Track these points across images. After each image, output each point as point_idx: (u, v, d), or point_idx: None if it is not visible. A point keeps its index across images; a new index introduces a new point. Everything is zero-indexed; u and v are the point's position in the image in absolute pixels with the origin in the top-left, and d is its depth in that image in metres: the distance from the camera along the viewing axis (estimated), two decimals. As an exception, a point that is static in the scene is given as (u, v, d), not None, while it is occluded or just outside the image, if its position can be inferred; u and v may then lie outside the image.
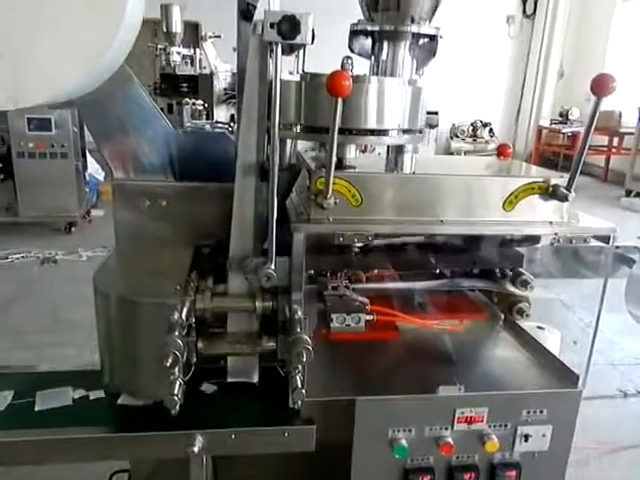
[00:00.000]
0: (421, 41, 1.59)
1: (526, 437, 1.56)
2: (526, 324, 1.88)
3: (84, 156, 6.81)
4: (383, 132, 1.48)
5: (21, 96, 1.14)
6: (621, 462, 3.12)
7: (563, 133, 11.74)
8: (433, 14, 1.57)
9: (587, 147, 1.45)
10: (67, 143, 6.26)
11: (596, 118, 1.37)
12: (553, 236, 1.50)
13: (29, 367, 1.87)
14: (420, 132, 1.57)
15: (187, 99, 6.31)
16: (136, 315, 1.46)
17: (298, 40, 1.29)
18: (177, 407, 1.33)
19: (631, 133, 10.47)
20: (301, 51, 1.57)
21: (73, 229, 6.74)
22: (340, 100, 1.26)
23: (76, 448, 1.50)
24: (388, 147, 1.68)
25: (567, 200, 1.48)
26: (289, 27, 1.28)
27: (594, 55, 11.74)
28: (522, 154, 12.47)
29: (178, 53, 7.08)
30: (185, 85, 6.91)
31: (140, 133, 1.64)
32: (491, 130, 12.27)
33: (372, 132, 1.47)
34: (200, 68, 7.15)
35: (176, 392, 1.33)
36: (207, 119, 6.30)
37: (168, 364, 1.29)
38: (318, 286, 1.63)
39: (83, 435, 1.48)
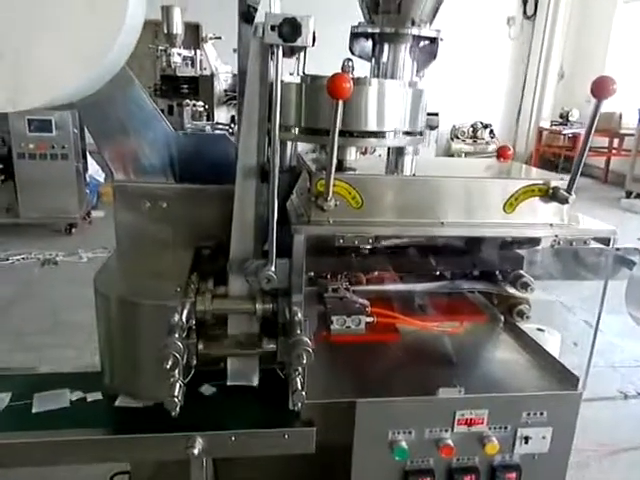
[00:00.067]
0: (422, 43, 1.60)
1: (526, 439, 1.56)
2: (526, 326, 1.88)
3: (84, 157, 6.81)
4: (383, 134, 1.48)
5: (21, 98, 1.14)
6: (621, 464, 3.12)
7: (563, 134, 11.74)
8: (434, 16, 1.57)
9: (587, 149, 1.46)
10: (68, 144, 6.26)
11: (596, 120, 1.37)
12: (553, 238, 1.50)
13: (27, 369, 1.87)
14: (420, 134, 1.57)
15: (187, 100, 6.32)
16: (136, 317, 1.47)
17: (299, 42, 1.29)
18: (177, 409, 1.33)
19: (631, 134, 10.48)
20: (302, 53, 1.57)
21: (73, 230, 6.74)
22: (341, 102, 1.26)
23: (73, 450, 1.50)
24: (388, 149, 1.68)
25: (567, 202, 1.48)
26: (290, 30, 1.28)
27: (594, 56, 11.74)
28: (522, 155, 12.47)
29: (179, 54, 7.09)
30: (186, 86, 6.92)
31: (141, 135, 1.64)
32: (491, 131, 12.27)
33: (373, 134, 1.47)
34: (201, 69, 7.17)
35: (176, 394, 1.33)
36: (207, 120, 6.31)
37: (168, 366, 1.29)
38: (318, 288, 1.63)
39: (81, 437, 1.48)
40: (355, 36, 1.62)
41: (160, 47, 7.19)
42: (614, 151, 11.38)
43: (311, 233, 1.41)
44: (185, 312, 1.40)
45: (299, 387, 1.39)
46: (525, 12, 12.91)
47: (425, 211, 1.48)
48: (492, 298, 1.84)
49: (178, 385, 1.35)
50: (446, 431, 1.53)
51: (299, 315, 1.43)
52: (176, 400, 1.32)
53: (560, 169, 10.55)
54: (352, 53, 1.63)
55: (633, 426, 3.45)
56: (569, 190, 1.48)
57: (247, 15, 1.61)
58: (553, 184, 1.50)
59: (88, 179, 7.09)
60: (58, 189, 6.35)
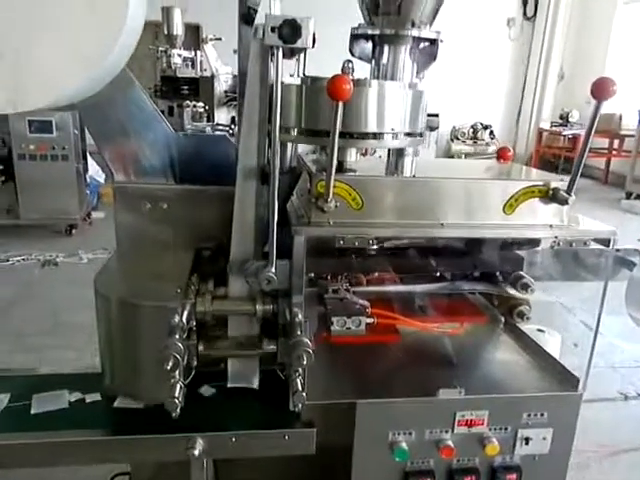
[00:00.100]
0: (422, 45, 1.60)
1: (527, 440, 1.56)
2: (526, 327, 1.88)
3: (85, 158, 6.81)
4: (383, 135, 1.48)
5: (21, 99, 1.14)
6: (622, 465, 3.11)
7: (563, 135, 11.74)
8: (434, 18, 1.57)
9: (587, 151, 1.46)
10: (68, 145, 6.26)
11: (596, 122, 1.37)
12: (553, 239, 1.50)
13: (26, 370, 1.87)
14: (421, 135, 1.58)
15: (188, 101, 6.32)
16: (137, 318, 1.47)
17: (299, 44, 1.30)
18: (178, 410, 1.33)
19: (631, 135, 10.48)
20: (302, 55, 1.57)
21: (74, 231, 6.74)
22: (341, 104, 1.26)
23: (73, 451, 1.50)
24: (389, 150, 1.68)
25: (567, 203, 1.49)
26: (290, 31, 1.28)
27: (594, 57, 11.75)
28: (523, 156, 12.48)
29: (179, 55, 7.09)
30: (186, 87, 6.93)
31: (141, 136, 1.64)
32: (492, 132, 12.27)
33: (373, 135, 1.47)
34: (201, 70, 7.17)
35: (177, 395, 1.33)
36: (208, 121, 6.31)
37: (168, 367, 1.29)
38: (318, 289, 1.63)
39: (80, 438, 1.48)
40: (355, 38, 1.62)
41: (160, 48, 7.19)
42: (614, 152, 11.39)
43: (311, 234, 1.41)
44: (185, 313, 1.41)
45: (299, 388, 1.39)
46: (525, 13, 12.91)
47: (425, 212, 1.49)
48: (492, 299, 1.84)
49: (178, 386, 1.35)
50: (446, 432, 1.53)
51: (299, 316, 1.43)
52: (176, 401, 1.33)
53: (560, 170, 10.56)
54: (352, 55, 1.63)
55: (633, 427, 3.45)
56: (569, 191, 1.48)
57: (247, 16, 1.61)
58: (553, 185, 1.50)
59: (88, 180, 7.09)
60: (58, 190, 6.35)
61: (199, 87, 6.87)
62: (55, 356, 3.79)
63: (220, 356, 1.57)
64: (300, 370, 1.39)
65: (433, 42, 1.59)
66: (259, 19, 1.45)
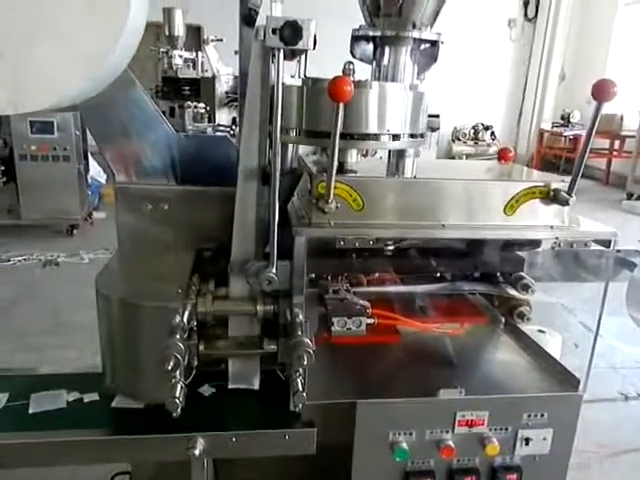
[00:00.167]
0: (422, 46, 1.60)
1: (527, 440, 1.56)
2: (527, 328, 1.88)
3: (86, 159, 6.82)
4: (384, 137, 1.48)
5: (21, 100, 1.14)
6: (622, 465, 3.11)
7: (565, 136, 11.75)
8: (434, 19, 1.57)
9: (588, 152, 1.46)
10: (69, 146, 6.27)
11: (597, 123, 1.37)
12: (554, 240, 1.51)
13: (25, 370, 1.88)
14: (421, 136, 1.58)
15: (189, 102, 6.31)
16: (138, 318, 1.47)
17: (300, 46, 1.30)
18: (179, 410, 1.34)
19: (632, 136, 10.48)
20: (303, 56, 1.57)
21: (75, 231, 6.75)
22: (341, 105, 1.27)
23: (73, 451, 1.50)
24: (389, 151, 1.69)
25: (568, 204, 1.49)
26: (291, 33, 1.29)
27: (595, 58, 11.75)
28: (524, 157, 12.47)
29: (180, 56, 7.08)
30: (187, 88, 6.92)
31: (142, 137, 1.64)
32: (493, 133, 12.27)
33: (373, 137, 1.47)
34: (202, 71, 7.16)
35: (177, 395, 1.33)
36: (209, 122, 6.31)
37: (169, 367, 1.29)
38: (319, 290, 1.64)
39: (81, 438, 1.49)
40: (356, 39, 1.62)
41: (162, 49, 7.19)
42: (615, 153, 11.38)
43: (312, 235, 1.42)
44: (186, 313, 1.41)
45: (300, 388, 1.39)
46: (526, 14, 12.91)
47: (426, 213, 1.49)
48: (493, 300, 1.84)
49: (179, 386, 1.35)
50: (447, 432, 1.53)
51: (300, 316, 1.44)
52: (177, 401, 1.33)
53: (561, 171, 10.55)
54: (353, 56, 1.63)
55: (634, 427, 3.45)
56: (570, 192, 1.49)
57: (248, 18, 1.61)
58: (554, 186, 1.51)
59: (90, 180, 7.10)
60: (60, 190, 6.37)
61: (200, 88, 6.86)
62: (56, 355, 3.80)
63: (221, 356, 1.58)
64: (301, 370, 1.40)
65: (434, 43, 1.59)
66: (260, 20, 1.45)
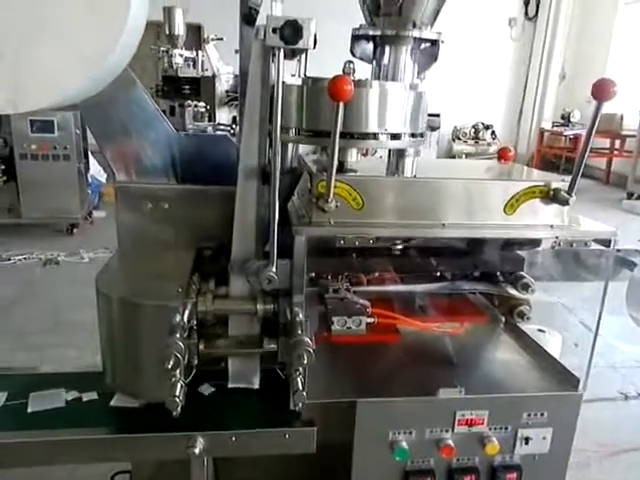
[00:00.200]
0: (423, 46, 1.60)
1: (526, 440, 1.56)
2: (527, 327, 1.88)
3: (86, 157, 6.82)
4: (384, 136, 1.48)
5: (21, 99, 1.14)
6: (621, 464, 3.12)
7: (565, 135, 11.74)
8: (435, 19, 1.57)
9: (588, 152, 1.46)
10: (69, 145, 6.28)
11: (597, 123, 1.38)
12: (554, 239, 1.51)
13: (25, 369, 1.88)
14: (421, 136, 1.58)
15: (189, 101, 6.31)
16: (138, 317, 1.47)
17: (300, 45, 1.30)
18: (179, 409, 1.34)
19: (633, 136, 10.48)
20: (303, 55, 1.57)
21: (75, 230, 6.75)
22: (342, 104, 1.27)
23: (73, 450, 1.50)
24: (389, 151, 1.69)
25: (568, 204, 1.49)
26: (291, 32, 1.29)
27: (596, 57, 11.74)
28: (524, 156, 12.47)
29: (180, 55, 7.08)
30: (187, 87, 6.92)
31: (142, 136, 1.64)
32: (493, 132, 12.27)
33: (373, 136, 1.47)
34: (202, 70, 7.16)
35: (177, 394, 1.34)
36: (209, 121, 6.31)
37: (169, 366, 1.29)
38: (319, 289, 1.64)
39: (81, 437, 1.48)
40: (356, 38, 1.62)
41: (162, 48, 7.19)
42: (616, 152, 11.38)
43: (312, 234, 1.42)
44: (186, 312, 1.41)
45: (300, 387, 1.39)
46: (527, 13, 12.90)
47: (426, 212, 1.49)
48: (493, 299, 1.84)
49: (179, 385, 1.35)
50: (446, 431, 1.53)
51: (300, 316, 1.44)
52: (177, 400, 1.33)
53: (562, 170, 10.55)
54: (353, 55, 1.63)
55: (634, 427, 3.45)
56: (570, 191, 1.49)
57: (248, 17, 1.62)
58: (554, 185, 1.51)
59: (90, 179, 7.10)
60: (60, 189, 6.37)
61: (200, 87, 6.87)
62: (56, 354, 3.81)
63: (221, 355, 1.58)
64: (300, 369, 1.40)
65: (434, 43, 1.59)
66: (260, 20, 1.45)
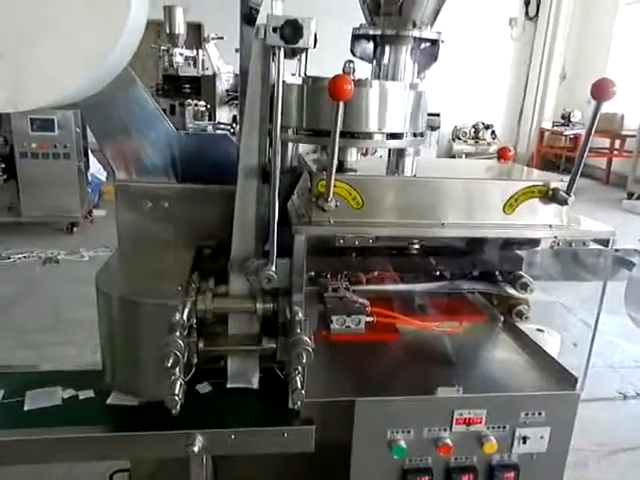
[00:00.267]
0: (423, 45, 1.61)
1: (524, 439, 1.57)
2: (526, 326, 1.89)
3: (86, 156, 6.83)
4: (384, 135, 1.48)
5: (21, 98, 1.14)
6: (620, 464, 3.12)
7: (565, 135, 11.74)
8: (435, 18, 1.58)
9: (587, 152, 1.47)
10: (70, 143, 6.28)
11: (596, 123, 1.38)
12: (553, 239, 1.51)
13: (22, 367, 1.87)
14: (421, 135, 1.58)
15: (190, 100, 6.33)
16: (138, 315, 1.48)
17: (300, 44, 1.30)
18: (178, 407, 1.34)
19: (633, 136, 10.48)
20: (303, 54, 1.58)
21: (75, 229, 6.76)
22: (342, 104, 1.27)
23: (70, 448, 1.50)
24: (389, 150, 1.69)
25: (567, 204, 1.49)
26: (292, 31, 1.29)
27: (596, 57, 11.74)
28: (524, 156, 12.47)
29: (181, 54, 7.10)
30: (188, 86, 6.93)
31: (143, 135, 1.65)
32: (493, 132, 12.27)
33: (373, 135, 1.47)
34: (203, 69, 7.18)
35: (177, 392, 1.34)
36: (209, 120, 6.32)
37: (169, 364, 1.30)
38: (318, 288, 1.64)
39: (79, 435, 1.48)
40: (356, 38, 1.63)
41: (162, 47, 7.20)
42: (616, 152, 11.38)
43: (312, 233, 1.42)
44: (186, 311, 1.41)
45: (299, 386, 1.40)
46: (527, 13, 12.90)
47: (425, 212, 1.49)
48: (492, 298, 1.85)
49: (179, 383, 1.36)
50: (444, 430, 1.54)
51: (299, 314, 1.44)
52: (176, 398, 1.33)
53: (562, 170, 10.56)
54: (353, 55, 1.63)
55: (632, 426, 3.45)
56: (569, 191, 1.49)
57: (249, 16, 1.62)
58: (553, 185, 1.51)
59: (90, 178, 7.10)
60: (60, 188, 6.37)
61: (201, 86, 6.87)
62: (56, 352, 3.81)
63: (220, 353, 1.58)
64: (299, 368, 1.40)
65: (434, 42, 1.60)
66: (261, 19, 1.45)
